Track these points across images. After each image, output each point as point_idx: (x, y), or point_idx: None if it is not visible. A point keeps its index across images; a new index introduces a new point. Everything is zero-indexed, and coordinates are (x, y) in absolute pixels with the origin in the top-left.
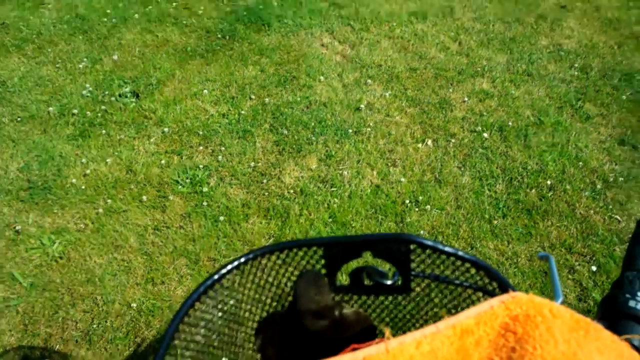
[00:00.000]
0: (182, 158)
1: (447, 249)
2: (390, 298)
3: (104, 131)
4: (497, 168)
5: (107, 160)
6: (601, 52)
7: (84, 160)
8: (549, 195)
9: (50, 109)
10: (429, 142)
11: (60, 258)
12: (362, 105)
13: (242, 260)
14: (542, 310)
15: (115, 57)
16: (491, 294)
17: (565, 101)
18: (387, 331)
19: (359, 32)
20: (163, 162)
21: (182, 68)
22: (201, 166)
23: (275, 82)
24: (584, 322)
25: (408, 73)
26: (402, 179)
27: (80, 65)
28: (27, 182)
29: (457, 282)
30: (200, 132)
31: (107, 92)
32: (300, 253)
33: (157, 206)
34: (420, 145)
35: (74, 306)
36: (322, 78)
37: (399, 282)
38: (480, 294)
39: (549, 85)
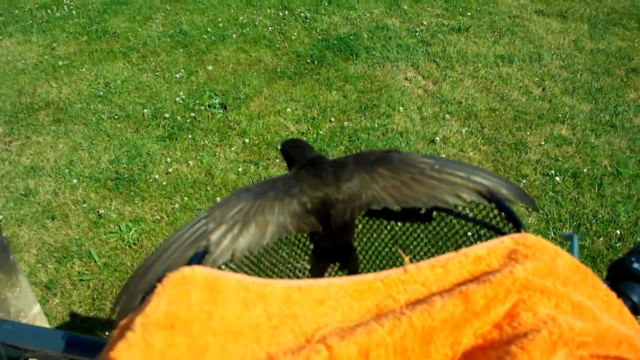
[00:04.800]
0: (258, 168)
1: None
2: (413, 226)
3: (190, 136)
4: (565, 212)
5: (190, 162)
6: None
7: (168, 159)
8: (617, 245)
9: (145, 110)
10: None
11: (134, 244)
12: (437, 138)
13: None
14: (548, 247)
15: (210, 69)
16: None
17: None
18: (406, 258)
19: (443, 70)
20: (240, 169)
21: (270, 87)
22: None
23: (355, 108)
24: (584, 270)
25: (487, 112)
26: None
27: (177, 75)
28: (115, 173)
29: (475, 220)
30: (279, 147)
31: (198, 102)
32: None
33: None
34: None
35: None
36: (401, 109)
37: (423, 211)
38: (494, 234)
39: (632, 137)
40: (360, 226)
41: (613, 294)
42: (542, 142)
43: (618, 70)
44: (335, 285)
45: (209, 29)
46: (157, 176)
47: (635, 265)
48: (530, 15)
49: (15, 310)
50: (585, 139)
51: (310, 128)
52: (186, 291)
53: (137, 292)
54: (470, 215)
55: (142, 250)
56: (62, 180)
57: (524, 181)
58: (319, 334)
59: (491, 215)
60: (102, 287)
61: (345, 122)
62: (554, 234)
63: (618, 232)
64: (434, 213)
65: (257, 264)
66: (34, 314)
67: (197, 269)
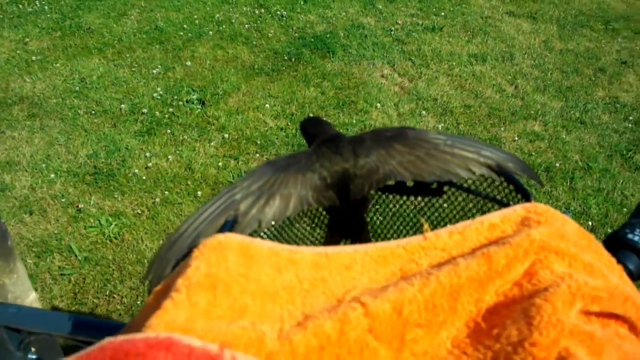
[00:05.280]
0: (238, 162)
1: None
2: (425, 200)
3: (169, 131)
4: None
5: (169, 157)
6: None
7: (147, 154)
8: (608, 234)
9: (123, 106)
10: None
11: (115, 238)
12: None
13: None
14: (557, 214)
15: (187, 64)
16: None
17: (615, 150)
18: (426, 225)
19: (419, 67)
20: (220, 164)
21: (248, 83)
22: None
23: (334, 104)
24: (588, 236)
25: (462, 109)
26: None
27: (154, 71)
28: (94, 167)
29: (484, 194)
30: (258, 142)
31: (175, 97)
32: None
33: None
34: None
35: (122, 282)
36: (378, 105)
37: (435, 185)
38: (501, 207)
39: (601, 134)
40: (374, 200)
41: (614, 260)
42: (516, 138)
43: (586, 69)
44: (361, 252)
45: (185, 26)
46: (136, 171)
47: (630, 235)
48: (501, 16)
49: (13, 296)
50: (557, 135)
51: (289, 124)
52: (223, 255)
53: (169, 259)
54: (479, 190)
55: (123, 244)
56: (39, 175)
57: None
58: (350, 295)
59: (498, 190)
60: (84, 282)
61: (324, 118)
62: None
63: (590, 223)
64: (445, 187)
65: (280, 233)
66: (31, 301)
67: (230, 236)
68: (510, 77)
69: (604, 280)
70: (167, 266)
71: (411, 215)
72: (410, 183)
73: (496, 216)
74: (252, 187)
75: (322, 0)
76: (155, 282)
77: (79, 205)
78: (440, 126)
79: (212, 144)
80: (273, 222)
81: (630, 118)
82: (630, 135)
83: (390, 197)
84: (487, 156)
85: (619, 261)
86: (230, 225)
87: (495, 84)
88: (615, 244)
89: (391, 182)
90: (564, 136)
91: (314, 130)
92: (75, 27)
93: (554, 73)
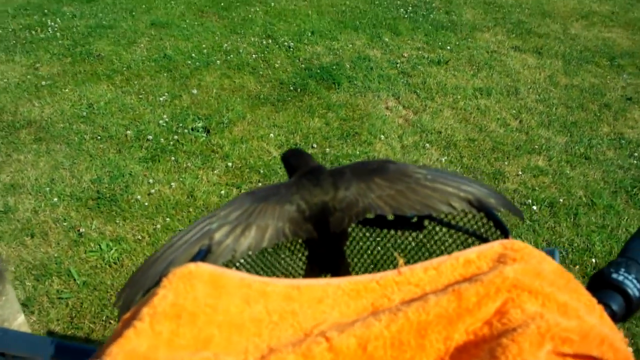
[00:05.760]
0: (240, 191)
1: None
2: (405, 234)
3: (173, 158)
4: (542, 241)
5: (172, 184)
6: None
7: (150, 180)
8: (593, 273)
9: (128, 132)
10: None
11: (115, 263)
12: None
13: None
14: (535, 252)
15: (194, 92)
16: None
17: (620, 187)
18: (401, 260)
19: (423, 100)
20: (223, 192)
21: (253, 112)
22: None
23: (337, 135)
24: (568, 275)
25: (466, 142)
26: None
27: (161, 99)
28: (97, 192)
29: (464, 229)
30: (261, 171)
31: (181, 125)
32: None
33: None
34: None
35: None
36: (382, 137)
37: (415, 219)
38: (481, 242)
39: (606, 170)
40: (354, 233)
41: (594, 300)
42: (520, 172)
43: (591, 105)
44: (333, 285)
45: (193, 55)
46: (139, 197)
47: (614, 275)
48: (507, 50)
49: (1, 319)
50: (561, 170)
51: None
52: (192, 285)
53: (140, 287)
54: (459, 224)
55: (123, 269)
56: (42, 198)
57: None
58: (318, 329)
59: (478, 225)
60: (81, 306)
61: (327, 149)
62: None
63: (593, 260)
64: (425, 222)
65: (256, 264)
66: (19, 324)
67: (202, 265)
68: (515, 111)
69: (579, 321)
70: (138, 293)
71: (391, 248)
72: (390, 217)
73: (473, 252)
74: (229, 216)
75: (329, 32)
76: (125, 309)
77: (80, 230)
78: (443, 159)
79: (215, 172)
80: (250, 253)
81: (636, 154)
82: (635, 171)
83: (371, 230)
84: (468, 191)
85: (602, 301)
86: (203, 254)
87: (500, 118)
88: (599, 284)
89: (371, 215)
90: (568, 171)
91: (296, 162)
92: (85, 53)
93: (558, 108)
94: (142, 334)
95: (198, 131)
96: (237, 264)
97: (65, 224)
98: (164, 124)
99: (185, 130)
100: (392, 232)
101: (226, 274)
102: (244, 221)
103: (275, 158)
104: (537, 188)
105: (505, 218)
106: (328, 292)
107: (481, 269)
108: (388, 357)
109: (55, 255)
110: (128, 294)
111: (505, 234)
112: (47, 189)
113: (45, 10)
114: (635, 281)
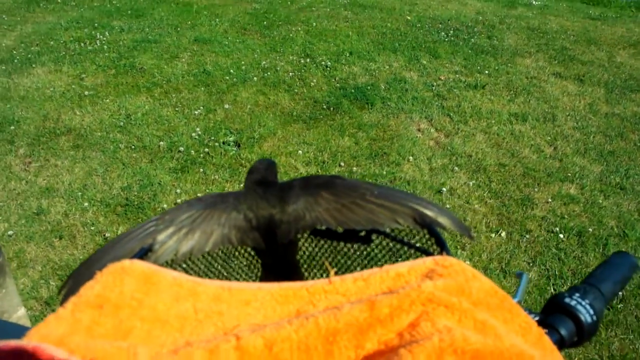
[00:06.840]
0: None
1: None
2: (351, 246)
3: (201, 170)
4: (568, 270)
5: (198, 194)
6: None
7: (178, 190)
8: (619, 306)
9: (161, 143)
10: (503, 234)
11: None
12: (444, 189)
13: None
14: (466, 270)
15: (228, 107)
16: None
17: None
18: (332, 271)
19: (456, 123)
20: None
21: (284, 129)
22: None
23: (366, 154)
24: (502, 295)
25: (496, 167)
26: (467, 262)
27: (196, 112)
28: (126, 199)
29: (407, 243)
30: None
31: (213, 138)
32: None
33: None
34: (493, 235)
35: None
36: (411, 158)
37: (363, 233)
38: (423, 255)
39: None
40: (301, 242)
41: (533, 322)
42: (549, 200)
43: (632, 134)
44: (264, 290)
45: (231, 71)
46: (165, 205)
47: (567, 299)
48: (547, 77)
49: (0, 311)
50: (594, 199)
51: (319, 171)
52: (121, 279)
53: (82, 280)
54: (406, 240)
55: None
56: (73, 203)
57: (527, 236)
58: (238, 329)
59: (422, 241)
60: None
61: (355, 168)
62: (554, 290)
63: (620, 293)
64: (373, 236)
65: (209, 270)
66: (18, 317)
67: (137, 262)
68: (550, 138)
69: (495, 340)
70: (79, 287)
71: (323, 258)
72: (339, 229)
73: (404, 266)
74: (175, 219)
75: (367, 53)
76: (66, 301)
77: (106, 234)
78: (471, 183)
79: (241, 185)
80: (192, 255)
81: None
82: None
83: (322, 241)
84: (413, 208)
85: (551, 326)
86: (143, 253)
87: (534, 144)
88: (552, 308)
89: (319, 228)
90: (600, 201)
91: (252, 173)
92: (129, 66)
93: (596, 136)
94: (62, 320)
95: (229, 145)
96: (190, 271)
97: (92, 228)
98: (197, 137)
99: (217, 144)
100: (342, 244)
101: (160, 272)
102: (188, 224)
103: (302, 174)
104: (566, 216)
105: (557, 246)
106: (257, 295)
107: (409, 283)
108: (295, 359)
109: (81, 257)
110: (70, 287)
111: (445, 250)
112: (79, 193)
113: (96, 24)
114: (588, 307)
